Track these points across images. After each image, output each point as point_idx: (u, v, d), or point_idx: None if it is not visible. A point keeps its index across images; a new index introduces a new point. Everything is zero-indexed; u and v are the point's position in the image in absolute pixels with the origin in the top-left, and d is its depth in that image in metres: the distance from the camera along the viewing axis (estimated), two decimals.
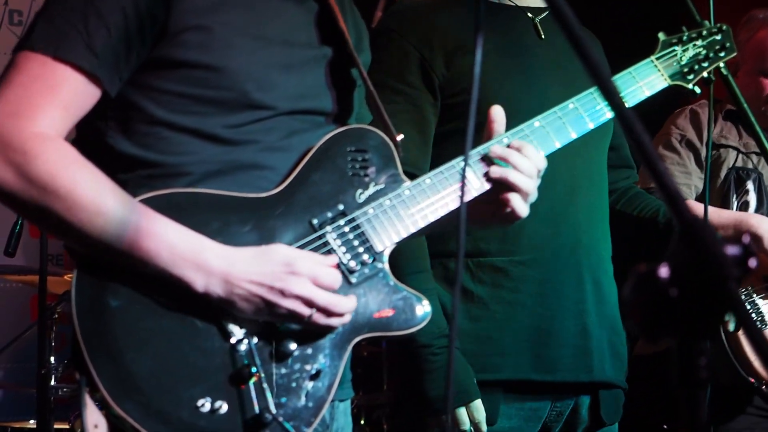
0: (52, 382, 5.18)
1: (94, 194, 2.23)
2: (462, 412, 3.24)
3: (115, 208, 2.24)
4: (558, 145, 2.69)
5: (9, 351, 5.97)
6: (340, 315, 2.36)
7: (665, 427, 5.18)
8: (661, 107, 3.59)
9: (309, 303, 2.31)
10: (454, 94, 3.30)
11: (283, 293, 2.30)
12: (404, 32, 3.27)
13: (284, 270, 2.30)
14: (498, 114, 2.63)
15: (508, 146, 2.60)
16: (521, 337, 3.28)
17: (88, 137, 2.41)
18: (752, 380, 4.28)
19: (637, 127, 1.53)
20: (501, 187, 2.58)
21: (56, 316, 5.31)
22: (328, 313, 2.34)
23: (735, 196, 4.43)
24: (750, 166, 4.55)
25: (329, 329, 2.37)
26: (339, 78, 2.57)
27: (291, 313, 2.32)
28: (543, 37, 3.35)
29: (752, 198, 4.50)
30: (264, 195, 2.41)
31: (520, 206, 2.59)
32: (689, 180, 4.53)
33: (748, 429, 4.40)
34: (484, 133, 2.63)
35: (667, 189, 1.46)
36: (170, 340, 2.27)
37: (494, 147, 2.59)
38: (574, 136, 2.72)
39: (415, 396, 3.23)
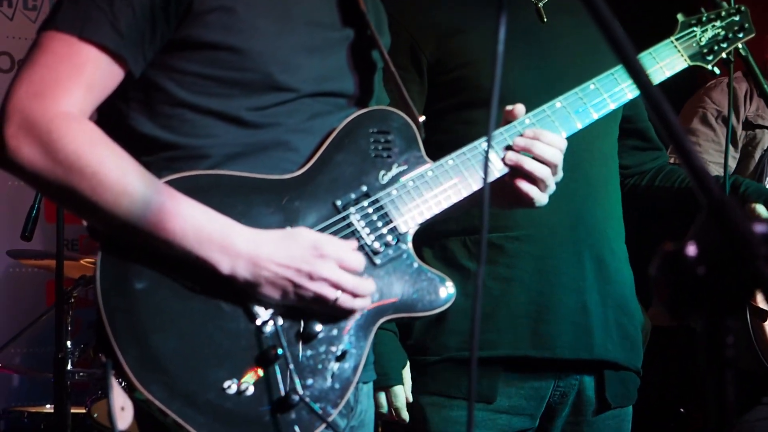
0: (69, 367, 5.17)
1: (119, 174, 2.23)
2: (381, 395, 3.29)
3: (141, 188, 2.24)
4: (579, 126, 2.70)
5: (24, 336, 5.97)
6: (365, 297, 2.37)
7: (682, 410, 5.18)
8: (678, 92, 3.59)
9: (336, 286, 2.32)
10: (446, 72, 3.32)
11: (310, 276, 2.30)
12: (398, 13, 3.27)
13: (312, 253, 2.31)
14: (519, 110, 2.65)
15: (523, 135, 2.61)
16: (518, 314, 3.28)
17: (110, 119, 2.41)
18: None
19: (664, 105, 1.54)
20: (519, 174, 2.59)
21: (72, 300, 5.31)
22: (354, 296, 2.35)
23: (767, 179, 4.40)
24: None
25: (353, 312, 2.38)
26: (360, 60, 2.57)
27: (317, 297, 2.32)
28: (545, 20, 3.34)
29: None
30: (287, 177, 2.41)
31: (538, 195, 2.61)
32: (722, 159, 4.49)
33: (762, 419, 4.39)
34: (502, 116, 2.64)
35: (693, 166, 1.47)
36: (196, 321, 2.28)
37: (517, 139, 2.60)
38: (595, 116, 2.72)
39: None
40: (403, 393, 3.29)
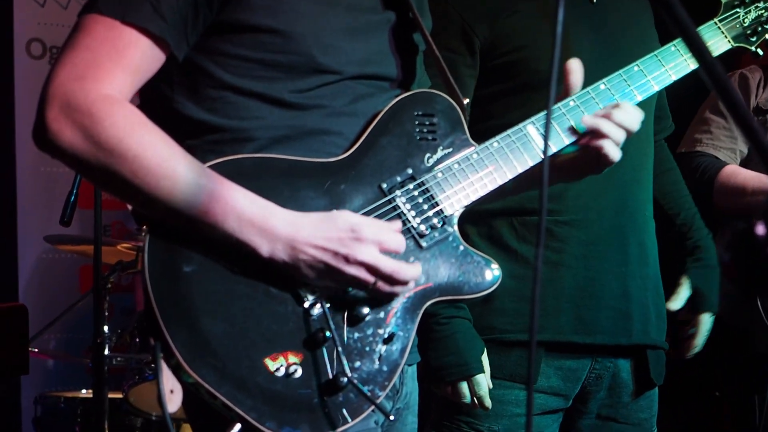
0: (106, 352, 5.19)
1: (160, 158, 2.23)
2: (463, 385, 3.26)
3: (182, 171, 2.24)
4: None
5: (58, 321, 6.00)
6: (404, 283, 2.36)
7: (717, 393, 5.17)
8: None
9: (373, 270, 2.31)
10: (500, 55, 3.31)
11: (347, 259, 2.29)
12: None
13: (349, 236, 2.30)
14: (575, 65, 2.64)
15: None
16: (563, 298, 3.29)
17: (155, 103, 2.41)
18: None
19: (728, 83, 1.54)
20: (590, 136, 2.61)
21: (109, 286, 5.33)
22: (392, 280, 2.33)
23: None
24: None
25: (395, 296, 2.38)
26: (402, 43, 2.56)
27: (355, 279, 2.31)
28: (594, 1, 3.33)
29: None
30: (332, 160, 2.41)
31: (612, 150, 2.61)
32: (734, 145, 4.49)
33: None
34: (561, 87, 2.64)
35: (758, 142, 1.46)
36: (244, 305, 2.28)
37: (585, 117, 2.61)
38: (639, 99, 2.71)
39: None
40: (485, 380, 3.27)
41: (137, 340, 5.56)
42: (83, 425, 5.73)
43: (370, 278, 2.31)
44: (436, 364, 3.19)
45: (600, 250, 3.32)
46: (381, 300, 2.37)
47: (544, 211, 1.88)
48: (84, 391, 5.97)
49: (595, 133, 2.60)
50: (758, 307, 4.18)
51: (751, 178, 4.30)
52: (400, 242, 2.36)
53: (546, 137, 2.09)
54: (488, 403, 3.27)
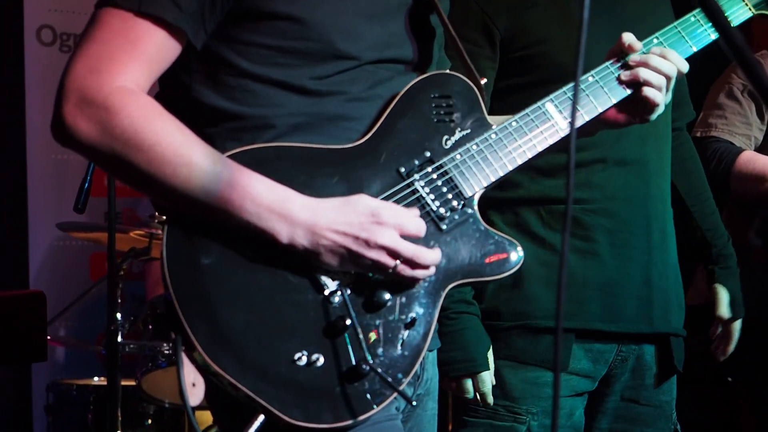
0: (119, 339, 5.18)
1: (176, 147, 2.22)
2: (468, 381, 3.26)
3: (198, 160, 2.22)
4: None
5: (70, 309, 5.99)
6: (425, 267, 2.34)
7: (729, 379, 5.16)
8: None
9: (394, 254, 2.29)
10: (520, 48, 3.30)
11: (368, 243, 2.28)
12: None
13: (370, 220, 2.28)
14: (627, 40, 2.67)
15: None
16: (591, 287, 3.29)
17: (172, 91, 2.40)
18: None
19: (748, 52, 1.51)
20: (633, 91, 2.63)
21: (122, 273, 5.32)
22: (413, 264, 2.32)
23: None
24: None
25: (416, 280, 2.36)
26: (419, 25, 2.53)
27: (375, 264, 2.30)
28: None
29: None
30: (350, 145, 2.39)
31: (655, 95, 2.62)
32: (749, 131, 4.46)
33: None
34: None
35: None
36: (264, 294, 2.26)
37: (633, 55, 2.64)
38: (694, 49, 2.75)
39: None
40: (489, 377, 3.27)
41: (150, 327, 5.56)
42: (96, 413, 5.73)
43: (390, 262, 2.29)
44: (442, 358, 3.18)
45: (625, 238, 3.33)
46: (403, 285, 2.35)
47: (571, 186, 1.85)
48: (96, 378, 5.97)
49: (637, 83, 2.62)
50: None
51: None
52: (420, 226, 2.34)
53: (573, 119, 2.05)
54: (490, 399, 3.28)
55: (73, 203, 4.90)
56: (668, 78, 2.63)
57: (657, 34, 2.71)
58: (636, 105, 2.66)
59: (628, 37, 2.65)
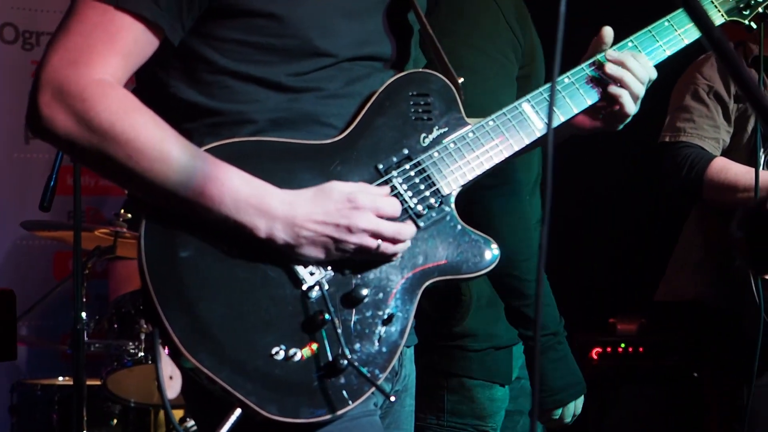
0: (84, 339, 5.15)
1: (154, 141, 2.22)
2: (572, 404, 3.28)
3: (177, 154, 2.22)
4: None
5: (34, 308, 5.95)
6: (404, 241, 2.37)
7: (695, 374, 5.19)
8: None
9: (376, 235, 2.31)
10: (520, 68, 3.33)
11: (350, 229, 2.29)
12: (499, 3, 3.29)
13: (347, 206, 2.30)
14: (607, 34, 2.69)
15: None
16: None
17: (150, 87, 2.40)
18: None
19: (731, 52, 1.53)
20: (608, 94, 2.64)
21: (87, 271, 5.29)
22: (395, 241, 2.34)
23: (762, 150, 4.36)
24: None
25: (395, 255, 2.37)
26: (397, 23, 2.54)
27: (360, 247, 2.31)
28: None
29: None
30: (328, 141, 2.40)
31: (630, 103, 2.63)
32: (718, 134, 4.44)
33: None
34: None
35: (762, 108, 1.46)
36: (242, 288, 2.26)
37: (610, 51, 2.66)
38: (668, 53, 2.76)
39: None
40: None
41: (115, 326, 5.54)
42: (61, 413, 5.70)
43: (373, 243, 2.31)
44: (559, 385, 3.18)
45: None
46: (380, 281, 2.36)
47: (550, 183, 1.86)
48: (61, 378, 5.94)
49: (616, 83, 2.63)
50: (752, 291, 4.18)
51: (743, 174, 4.29)
52: (395, 206, 2.37)
53: (550, 118, 2.05)
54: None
55: (38, 202, 4.87)
56: (641, 82, 2.65)
57: (631, 38, 2.72)
58: (607, 113, 2.68)
59: (607, 32, 2.68)
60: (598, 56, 2.66)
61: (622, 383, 6.24)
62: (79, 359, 4.87)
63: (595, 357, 6.34)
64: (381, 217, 2.33)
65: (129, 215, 5.51)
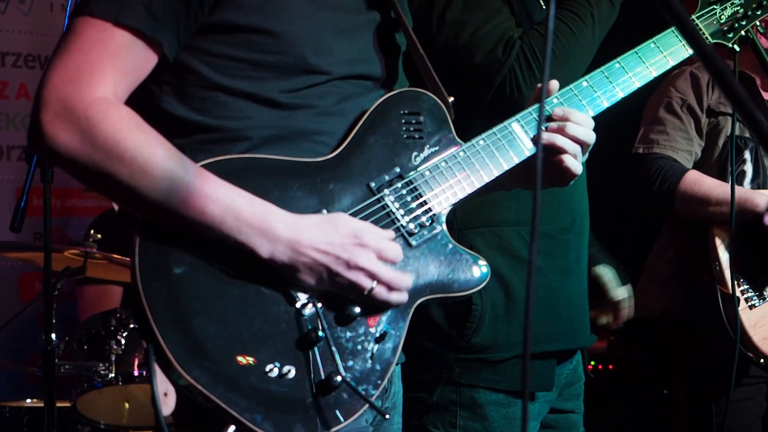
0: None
1: (157, 160, 2.22)
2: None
3: (180, 173, 2.23)
4: (606, 105, 2.71)
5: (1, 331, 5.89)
6: (400, 291, 2.36)
7: (665, 392, 5.23)
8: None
9: (372, 276, 2.32)
10: None
11: (348, 264, 2.30)
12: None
13: (352, 241, 2.30)
14: (554, 86, 2.68)
15: (552, 114, 2.63)
16: (572, 305, 3.33)
17: (142, 103, 2.38)
18: (751, 355, 4.31)
19: (723, 68, 1.55)
20: (553, 151, 2.61)
21: (56, 293, 5.25)
22: (390, 288, 2.34)
23: (731, 167, 4.41)
24: (747, 134, 4.52)
25: (388, 304, 2.37)
26: (386, 43, 2.56)
27: (353, 285, 2.31)
28: (544, 7, 3.35)
29: (749, 168, 4.48)
30: (320, 159, 2.40)
31: (573, 164, 2.62)
32: (691, 146, 4.50)
33: (746, 399, 4.44)
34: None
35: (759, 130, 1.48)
36: (236, 305, 2.26)
37: (551, 124, 2.61)
38: (620, 95, 2.74)
39: None
40: None
41: (85, 347, 5.50)
42: None
43: (368, 284, 2.31)
44: None
45: (584, 252, 3.39)
46: (374, 303, 2.36)
47: (538, 206, 1.88)
48: (29, 400, 5.88)
49: (552, 149, 2.61)
50: (719, 309, 4.22)
51: (715, 187, 4.33)
52: (398, 252, 2.37)
53: (539, 128, 2.07)
54: None
55: (7, 222, 4.84)
56: (585, 145, 2.64)
57: (602, 68, 2.75)
58: (553, 171, 2.65)
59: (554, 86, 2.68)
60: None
61: (593, 401, 6.27)
62: (51, 381, 4.83)
63: None
64: (383, 260, 2.33)
65: (99, 236, 5.47)
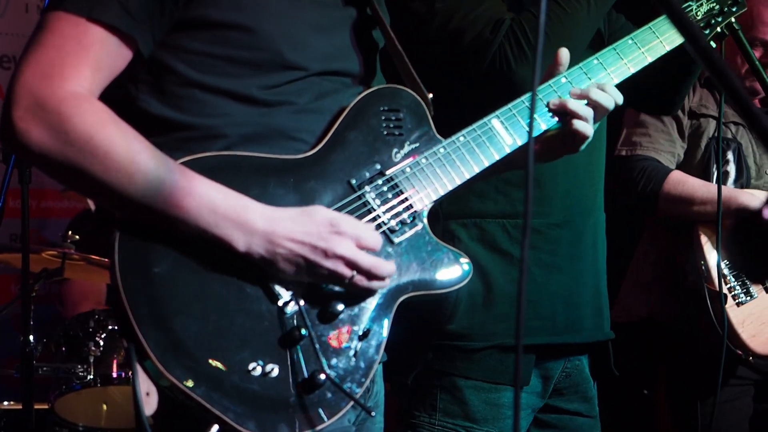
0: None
1: (132, 154, 2.20)
2: None
3: (154, 167, 2.21)
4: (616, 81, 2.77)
5: None
6: (381, 278, 2.35)
7: (645, 392, 5.23)
8: None
9: (351, 264, 2.30)
10: None
11: (326, 253, 2.28)
12: None
13: (328, 230, 2.29)
14: (564, 57, 2.69)
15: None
16: (557, 300, 3.30)
17: (118, 101, 2.35)
18: (740, 353, 4.32)
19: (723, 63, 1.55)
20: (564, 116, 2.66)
21: (34, 294, 5.23)
22: (370, 275, 2.33)
23: (715, 167, 4.42)
24: (729, 136, 4.52)
25: (370, 292, 2.37)
26: (363, 39, 2.55)
27: (332, 274, 2.30)
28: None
29: (732, 169, 4.49)
30: (300, 156, 2.39)
31: (583, 127, 2.65)
32: (673, 148, 4.49)
33: (731, 400, 4.44)
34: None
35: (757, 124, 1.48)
36: (217, 303, 2.25)
37: (552, 100, 2.66)
38: (615, 81, 2.77)
39: None
40: None
41: (63, 349, 5.47)
42: None
43: (347, 273, 2.30)
44: None
45: (582, 250, 3.35)
46: (356, 296, 2.35)
47: (529, 202, 1.88)
48: (6, 402, 5.83)
49: (564, 113, 2.65)
50: (707, 309, 4.22)
51: (699, 187, 4.33)
52: (377, 239, 2.36)
53: (530, 126, 2.07)
54: None
55: None
56: (602, 109, 2.68)
57: (596, 55, 2.76)
58: (565, 137, 2.69)
59: (564, 54, 2.71)
60: (557, 78, 2.69)
61: None
62: (29, 383, 4.80)
63: None
64: (361, 247, 2.32)
65: (77, 236, 5.45)
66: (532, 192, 1.80)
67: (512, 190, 3.21)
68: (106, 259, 2.27)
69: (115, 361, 5.41)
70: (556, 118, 2.67)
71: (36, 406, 5.12)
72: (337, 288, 2.34)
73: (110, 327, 5.39)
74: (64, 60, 2.23)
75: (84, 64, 2.24)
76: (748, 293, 4.27)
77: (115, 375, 5.38)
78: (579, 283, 3.35)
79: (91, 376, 5.34)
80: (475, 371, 3.25)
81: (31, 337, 5.02)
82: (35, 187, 5.43)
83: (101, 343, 5.39)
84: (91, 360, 5.36)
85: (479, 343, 3.23)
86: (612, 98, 2.69)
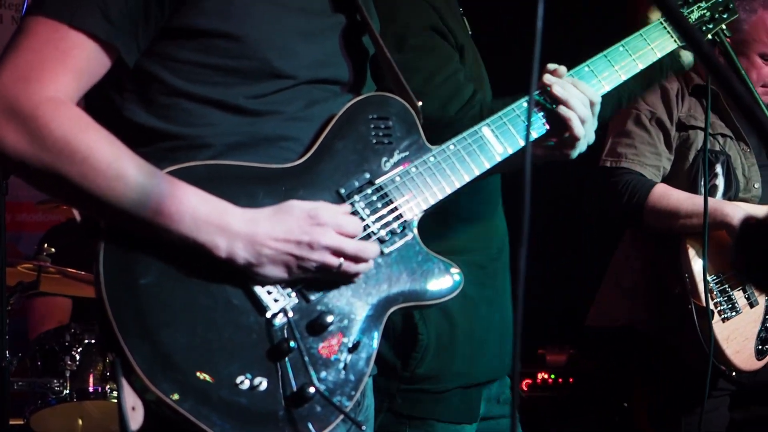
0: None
1: (110, 159, 2.16)
2: None
3: (134, 173, 2.17)
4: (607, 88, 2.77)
5: None
6: (366, 260, 2.33)
7: (625, 405, 5.21)
8: None
9: (338, 252, 2.28)
10: None
11: (311, 246, 2.25)
12: None
13: (309, 223, 2.26)
14: (562, 71, 2.67)
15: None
16: (499, 336, 3.24)
17: (103, 111, 2.32)
18: (723, 368, 4.29)
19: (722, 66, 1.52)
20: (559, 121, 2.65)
21: (9, 308, 5.16)
22: (357, 260, 2.31)
23: (703, 180, 4.38)
24: (717, 148, 4.48)
25: (357, 275, 2.33)
26: (352, 46, 2.52)
27: (321, 266, 2.28)
28: (470, 33, 3.30)
29: (720, 182, 4.45)
30: (288, 165, 2.35)
31: (579, 126, 2.63)
32: (659, 161, 4.44)
33: (710, 411, 4.42)
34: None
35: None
36: (204, 316, 2.21)
37: (548, 76, 2.67)
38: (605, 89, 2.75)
39: None
40: None
41: (38, 363, 5.40)
42: None
43: (335, 261, 2.28)
44: None
45: (508, 280, 3.29)
46: (345, 308, 2.32)
47: (527, 205, 1.84)
48: None
49: (563, 108, 2.64)
50: (692, 320, 4.19)
51: (684, 200, 4.30)
52: (356, 225, 2.33)
53: (528, 125, 2.04)
54: None
55: None
56: (585, 105, 2.65)
57: (587, 63, 2.73)
58: (558, 140, 2.67)
59: (553, 65, 2.67)
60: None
61: (553, 415, 6.25)
62: (5, 398, 4.74)
63: (524, 388, 6.34)
64: (342, 234, 2.29)
65: (52, 249, 5.39)
66: (530, 193, 1.76)
67: (476, 223, 3.16)
68: (83, 272, 2.23)
69: (91, 376, 5.34)
70: (548, 126, 2.64)
71: (11, 422, 5.10)
72: (330, 298, 2.31)
73: (86, 341, 5.31)
74: (42, 65, 2.19)
75: (62, 70, 2.20)
76: (733, 308, 4.25)
77: (91, 389, 5.31)
78: (508, 315, 3.28)
79: (67, 391, 5.27)
80: (444, 413, 3.19)
81: (7, 352, 4.95)
82: (11, 199, 5.36)
83: (77, 357, 5.32)
84: (67, 374, 5.29)
85: (448, 384, 3.17)
86: (587, 95, 2.67)
